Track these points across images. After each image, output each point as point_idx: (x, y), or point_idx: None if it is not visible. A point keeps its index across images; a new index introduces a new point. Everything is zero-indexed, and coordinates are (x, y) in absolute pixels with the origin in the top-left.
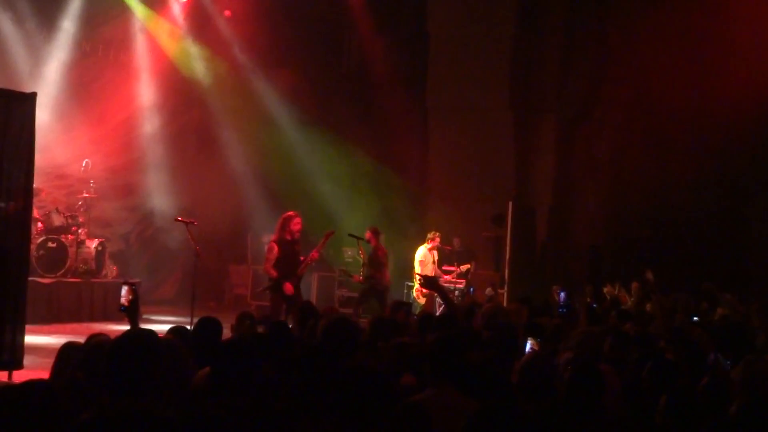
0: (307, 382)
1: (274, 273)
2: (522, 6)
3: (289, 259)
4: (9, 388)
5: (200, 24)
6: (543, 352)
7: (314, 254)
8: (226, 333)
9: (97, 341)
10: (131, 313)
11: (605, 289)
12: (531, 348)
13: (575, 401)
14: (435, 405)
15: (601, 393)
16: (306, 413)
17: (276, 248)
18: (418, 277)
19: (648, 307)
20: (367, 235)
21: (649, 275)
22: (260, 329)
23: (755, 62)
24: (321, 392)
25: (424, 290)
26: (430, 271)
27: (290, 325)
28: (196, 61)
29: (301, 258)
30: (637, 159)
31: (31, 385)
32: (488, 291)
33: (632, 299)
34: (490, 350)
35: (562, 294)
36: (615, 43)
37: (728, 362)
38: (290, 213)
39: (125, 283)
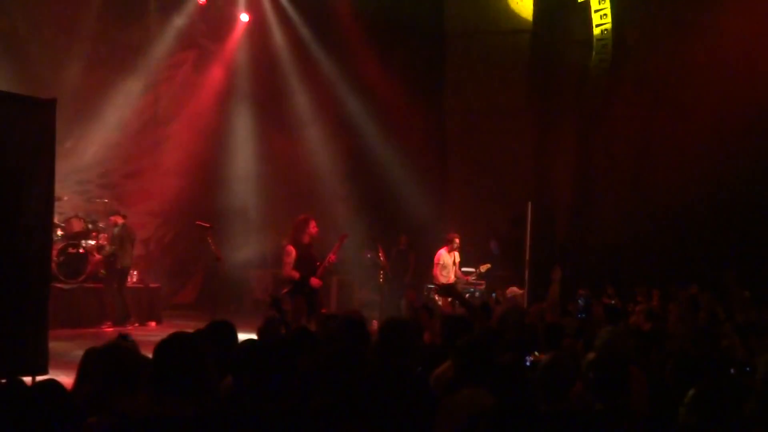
0: (330, 385)
1: (296, 275)
2: (539, 5)
3: (306, 262)
4: (23, 386)
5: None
6: (565, 353)
7: (331, 257)
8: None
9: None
10: None
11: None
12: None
13: (601, 402)
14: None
15: (627, 394)
16: (331, 417)
17: (294, 251)
18: (433, 286)
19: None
20: (112, 218)
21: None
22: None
23: None
24: (344, 394)
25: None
26: (450, 272)
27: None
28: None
29: (317, 263)
30: (657, 158)
31: (44, 385)
32: (509, 291)
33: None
34: (509, 351)
35: (581, 300)
36: (633, 42)
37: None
38: (306, 216)
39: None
